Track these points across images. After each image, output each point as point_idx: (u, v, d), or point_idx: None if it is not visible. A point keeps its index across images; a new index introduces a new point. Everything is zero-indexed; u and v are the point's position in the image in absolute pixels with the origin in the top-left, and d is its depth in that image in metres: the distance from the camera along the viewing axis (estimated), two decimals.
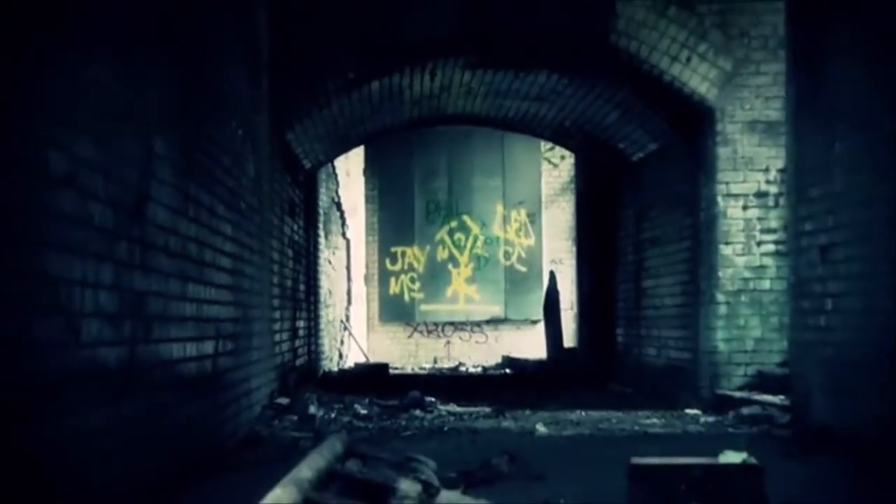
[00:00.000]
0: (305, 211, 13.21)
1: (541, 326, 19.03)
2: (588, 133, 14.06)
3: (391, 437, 8.02)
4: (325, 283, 15.80)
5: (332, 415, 9.30)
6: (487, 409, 10.14)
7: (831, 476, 5.95)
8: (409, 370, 20.03)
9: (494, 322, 22.91)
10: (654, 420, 9.40)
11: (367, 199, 22.78)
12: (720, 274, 10.49)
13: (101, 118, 4.30)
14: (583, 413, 9.98)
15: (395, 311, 22.92)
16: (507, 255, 22.97)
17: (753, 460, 5.22)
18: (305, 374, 12.64)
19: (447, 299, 22.88)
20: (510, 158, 22.63)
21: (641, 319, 13.42)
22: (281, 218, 10.82)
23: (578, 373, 15.39)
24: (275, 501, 1.72)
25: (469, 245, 22.93)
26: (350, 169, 20.74)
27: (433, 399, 10.52)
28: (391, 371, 17.22)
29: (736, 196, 10.50)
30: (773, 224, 10.39)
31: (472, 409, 10.22)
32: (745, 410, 9.12)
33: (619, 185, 14.52)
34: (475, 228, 22.91)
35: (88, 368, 4.09)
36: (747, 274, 10.48)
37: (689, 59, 10.57)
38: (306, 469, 2.04)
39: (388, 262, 22.86)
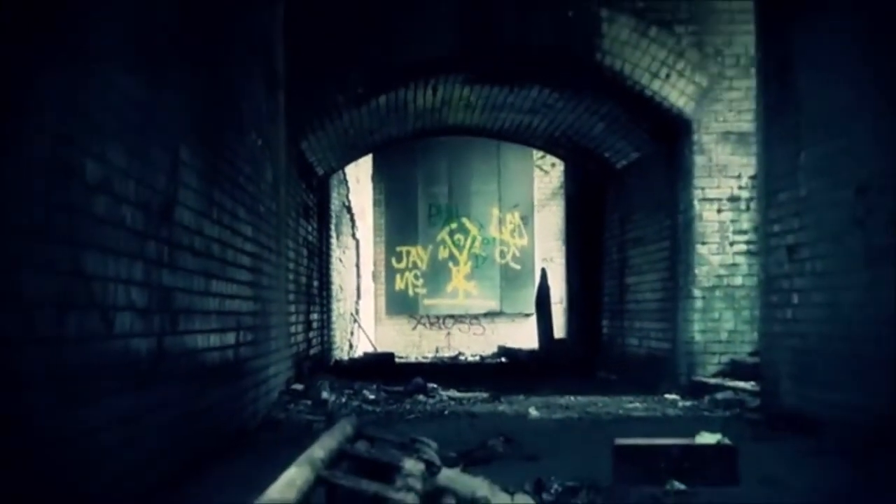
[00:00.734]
0: (319, 214, 13.20)
1: (533, 319, 19.01)
2: (576, 143, 14.05)
3: (397, 420, 8.02)
4: (336, 279, 15.79)
5: (343, 400, 9.29)
6: (484, 395, 10.14)
7: (797, 455, 5.95)
8: (413, 359, 20.01)
9: (491, 315, 22.91)
10: (637, 404, 9.40)
11: (375, 203, 22.77)
12: (696, 271, 10.49)
13: (132, 129, 4.30)
14: (572, 398, 9.98)
15: (400, 305, 22.93)
16: (502, 254, 22.96)
17: (727, 441, 5.22)
18: (318, 363, 12.64)
19: (448, 294, 22.88)
20: (505, 166, 22.63)
21: (625, 313, 13.42)
22: (296, 220, 10.82)
23: (568, 361, 15.37)
24: (291, 478, 1.73)
25: (468, 245, 22.93)
26: (359, 175, 20.73)
27: (435, 385, 10.51)
28: (397, 360, 17.20)
29: (711, 200, 10.50)
30: (745, 226, 10.39)
31: (470, 394, 10.22)
32: (720, 395, 9.11)
33: (604, 191, 14.52)
34: (473, 230, 22.90)
35: (121, 357, 4.09)
36: (721, 271, 10.48)
37: (668, 76, 10.56)
38: (319, 449, 2.04)
39: (393, 260, 22.86)
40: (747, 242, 10.31)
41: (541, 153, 20.68)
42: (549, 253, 22.28)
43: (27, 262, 3.16)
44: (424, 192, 22.75)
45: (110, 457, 3.90)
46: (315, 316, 12.62)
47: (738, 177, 10.46)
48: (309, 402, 8.80)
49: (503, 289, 22.90)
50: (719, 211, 10.48)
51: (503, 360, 19.46)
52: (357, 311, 20.17)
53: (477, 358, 20.69)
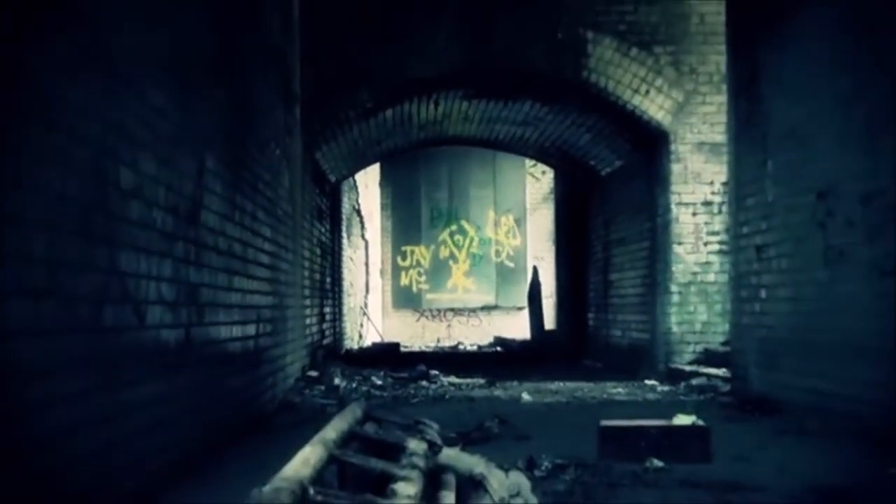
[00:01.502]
0: (331, 216, 13.20)
1: (526, 312, 19.02)
2: (565, 152, 14.05)
3: (402, 403, 8.01)
4: (347, 276, 15.79)
5: (354, 385, 9.29)
6: (481, 381, 10.13)
7: (764, 434, 5.96)
8: (416, 348, 20.01)
9: (487, 308, 22.92)
10: (620, 389, 9.40)
11: (382, 207, 22.77)
12: (673, 269, 10.50)
13: (163, 140, 4.31)
14: (560, 384, 9.98)
15: (405, 299, 22.93)
16: (497, 253, 22.97)
17: (701, 422, 5.23)
18: (331, 352, 12.64)
19: (448, 290, 22.89)
20: (500, 173, 22.63)
21: (609, 306, 13.42)
22: (311, 222, 10.82)
23: (557, 351, 15.38)
24: (306, 457, 1.74)
25: (466, 245, 22.94)
26: (368, 181, 20.73)
27: (436, 372, 10.51)
28: (402, 349, 17.20)
29: (686, 204, 10.50)
30: (717, 227, 10.39)
31: (468, 380, 10.21)
32: (694, 381, 9.12)
33: (590, 196, 14.52)
34: (471, 231, 22.91)
35: (152, 346, 4.10)
36: (696, 269, 10.49)
37: (647, 92, 10.57)
38: (331, 430, 2.05)
39: (399, 258, 22.86)
40: (719, 243, 10.31)
41: (532, 161, 20.68)
42: (540, 252, 22.29)
43: (69, 261, 3.17)
44: (427, 196, 22.75)
45: (141, 436, 3.91)
46: (328, 309, 12.62)
47: (711, 183, 10.46)
48: (322, 388, 8.80)
49: (498, 284, 22.90)
50: (694, 214, 10.49)
51: (498, 349, 19.47)
52: (366, 305, 20.18)
53: (475, 347, 20.69)
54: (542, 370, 11.92)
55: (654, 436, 4.96)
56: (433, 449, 2.43)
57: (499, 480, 2.53)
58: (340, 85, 10.45)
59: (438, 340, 22.38)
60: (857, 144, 6.05)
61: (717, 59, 10.21)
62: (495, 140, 14.85)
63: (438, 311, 22.99)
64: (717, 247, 10.38)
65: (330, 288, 12.95)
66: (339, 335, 14.07)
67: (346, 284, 15.49)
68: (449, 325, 22.96)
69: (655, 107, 10.56)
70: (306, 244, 10.17)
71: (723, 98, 9.59)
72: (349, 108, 10.77)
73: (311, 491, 1.73)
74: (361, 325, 19.29)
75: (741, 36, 8.37)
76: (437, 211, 22.83)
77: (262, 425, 6.38)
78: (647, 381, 10.08)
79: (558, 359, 14.24)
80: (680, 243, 10.50)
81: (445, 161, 22.13)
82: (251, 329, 6.44)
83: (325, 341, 12.23)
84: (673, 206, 10.50)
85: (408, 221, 22.78)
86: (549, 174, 20.64)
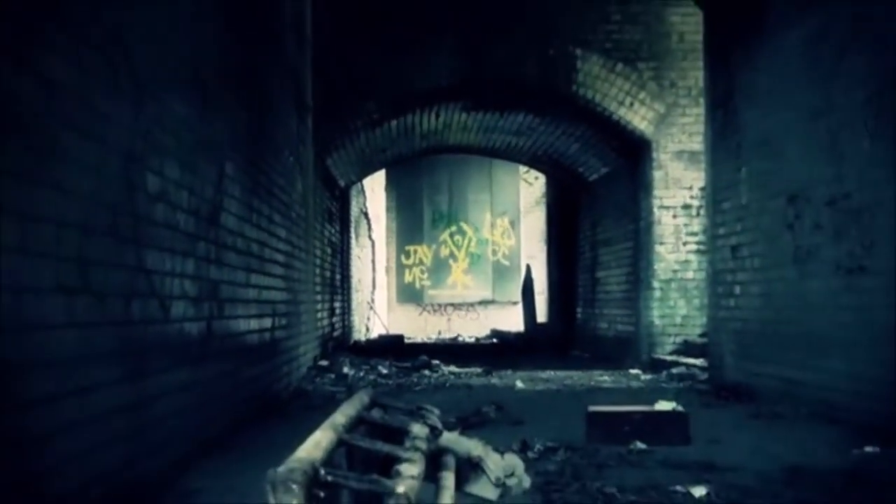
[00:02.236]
0: (340, 218, 13.20)
1: (520, 306, 19.01)
2: (555, 159, 14.05)
3: (406, 391, 8.00)
4: (355, 273, 15.79)
5: (361, 374, 9.29)
6: (479, 370, 10.12)
7: (738, 419, 5.96)
8: (419, 340, 20.00)
9: (484, 303, 22.92)
10: (606, 378, 9.40)
11: (388, 209, 22.77)
12: (655, 267, 10.49)
13: (185, 148, 4.31)
14: (552, 373, 9.98)
15: (408, 295, 22.93)
16: (494, 253, 22.97)
17: (681, 408, 5.23)
18: (340, 343, 12.65)
19: (448, 286, 22.89)
20: (496, 178, 22.63)
21: (596, 301, 13.42)
22: (322, 224, 10.82)
23: (548, 342, 15.37)
24: (317, 440, 1.74)
25: (465, 245, 22.94)
26: (374, 186, 20.74)
27: (438, 362, 10.49)
28: (406, 341, 17.19)
29: (667, 208, 10.50)
30: (696, 229, 10.39)
31: (467, 369, 10.21)
32: (675, 370, 9.12)
33: (579, 200, 14.52)
34: (470, 232, 22.91)
35: (176, 338, 4.10)
36: (676, 267, 10.49)
37: (632, 104, 10.57)
38: (340, 416, 2.05)
39: (403, 257, 22.86)
40: (697, 243, 10.31)
41: (526, 168, 20.66)
42: (532, 251, 22.28)
43: (101, 260, 3.17)
44: (429, 200, 22.75)
45: (164, 421, 3.91)
46: (337, 304, 12.62)
47: (690, 188, 10.46)
48: (332, 376, 8.80)
49: (495, 281, 22.90)
50: (674, 217, 10.49)
51: (495, 340, 19.46)
52: (373, 300, 20.18)
53: (473, 339, 20.68)
54: (534, 360, 11.91)
55: (637, 420, 4.96)
56: (434, 433, 2.43)
57: (495, 461, 2.53)
58: (349, 97, 10.45)
59: (439, 333, 22.38)
60: (824, 153, 6.06)
61: (695, 75, 10.21)
62: (492, 148, 14.85)
63: (439, 305, 22.99)
64: (695, 247, 10.38)
65: (339, 284, 12.94)
66: (347, 328, 14.07)
67: (354, 281, 15.50)
68: (449, 319, 22.95)
69: (639, 118, 10.56)
70: (318, 244, 10.17)
71: (701, 110, 9.59)
72: (357, 118, 10.77)
73: (322, 472, 1.73)
74: (368, 319, 19.29)
75: (717, 53, 8.37)
76: (438, 213, 22.83)
77: (277, 410, 6.38)
78: (632, 370, 10.08)
79: (550, 349, 14.22)
80: (661, 243, 10.49)
81: (446, 167, 22.13)
82: (267, 322, 6.44)
83: (335, 333, 12.23)
84: (655, 210, 10.50)
85: (411, 223, 22.78)
86: (542, 179, 20.62)
